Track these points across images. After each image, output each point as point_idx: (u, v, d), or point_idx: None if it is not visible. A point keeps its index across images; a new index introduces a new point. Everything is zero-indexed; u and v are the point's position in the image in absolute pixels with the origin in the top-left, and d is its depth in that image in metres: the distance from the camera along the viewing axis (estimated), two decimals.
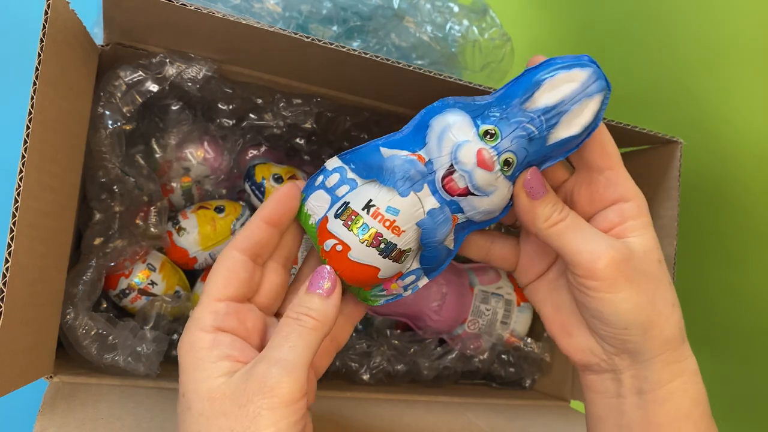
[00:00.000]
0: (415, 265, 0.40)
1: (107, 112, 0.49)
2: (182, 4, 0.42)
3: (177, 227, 0.59)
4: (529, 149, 0.38)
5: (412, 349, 0.63)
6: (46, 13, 0.37)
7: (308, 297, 0.37)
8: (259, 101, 0.57)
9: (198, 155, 0.60)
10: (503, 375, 0.68)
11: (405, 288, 0.42)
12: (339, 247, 0.38)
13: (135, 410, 0.46)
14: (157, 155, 0.58)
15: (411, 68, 0.47)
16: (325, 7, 0.60)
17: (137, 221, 0.54)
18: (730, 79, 0.64)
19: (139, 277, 0.56)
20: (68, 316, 0.48)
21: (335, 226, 0.38)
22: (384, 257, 0.38)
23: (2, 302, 0.35)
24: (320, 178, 0.40)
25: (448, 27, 0.66)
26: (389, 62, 0.46)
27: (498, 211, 0.39)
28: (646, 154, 0.60)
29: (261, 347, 0.38)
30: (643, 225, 0.39)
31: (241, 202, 0.63)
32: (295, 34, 0.44)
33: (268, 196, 0.39)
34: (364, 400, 0.57)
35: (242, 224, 0.61)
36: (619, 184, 0.39)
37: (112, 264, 0.52)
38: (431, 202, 0.37)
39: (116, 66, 0.49)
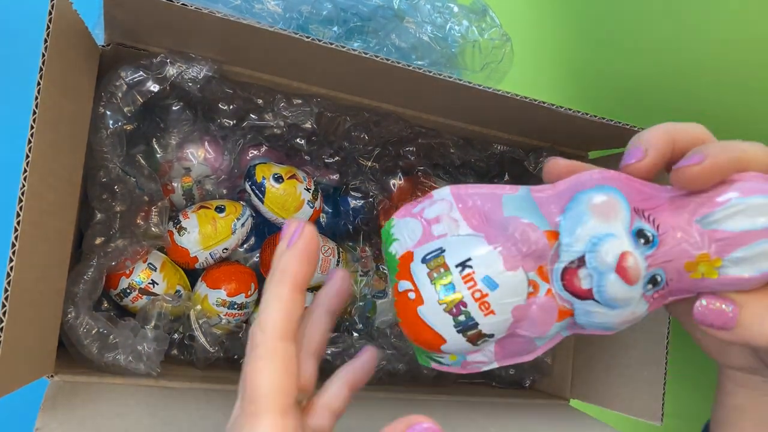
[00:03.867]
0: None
1: (108, 112, 0.49)
2: (183, 4, 0.42)
3: (178, 227, 0.59)
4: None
5: (412, 348, 0.63)
6: (50, 13, 0.38)
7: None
8: (260, 101, 0.57)
9: (199, 155, 0.60)
10: (503, 375, 0.68)
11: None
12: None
13: (136, 408, 0.46)
14: (158, 155, 0.58)
15: (411, 68, 0.47)
16: (325, 7, 0.60)
17: (138, 221, 0.54)
18: (729, 79, 0.64)
19: (140, 276, 0.56)
20: (69, 316, 0.48)
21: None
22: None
23: (7, 301, 0.35)
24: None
25: (448, 27, 0.66)
26: (389, 62, 0.47)
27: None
28: None
29: None
30: None
31: (241, 202, 0.63)
32: (296, 34, 0.45)
33: (288, 249, 0.32)
34: (364, 399, 0.58)
35: (243, 224, 0.61)
36: None
37: (113, 263, 0.52)
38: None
39: (117, 66, 0.50)
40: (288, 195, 0.61)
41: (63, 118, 0.42)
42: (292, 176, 0.61)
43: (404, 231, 0.32)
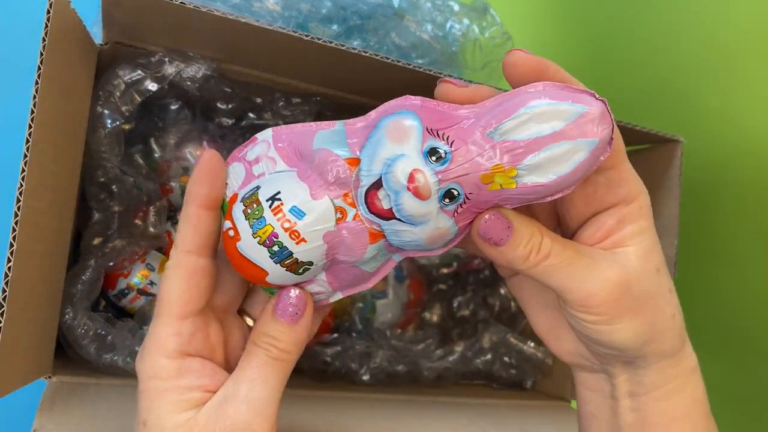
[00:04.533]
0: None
1: (106, 112, 0.49)
2: (181, 2, 0.42)
3: (176, 227, 0.58)
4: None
5: (412, 350, 0.63)
6: (48, 12, 0.37)
7: (274, 324, 0.34)
8: (259, 100, 0.56)
9: (197, 154, 0.59)
10: (504, 376, 0.68)
11: None
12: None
13: (134, 409, 0.46)
14: (156, 155, 0.58)
15: (411, 67, 0.47)
16: (324, 6, 0.60)
17: (136, 221, 0.54)
18: (730, 78, 0.64)
19: (138, 277, 0.56)
20: (67, 316, 0.48)
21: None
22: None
23: (5, 302, 0.35)
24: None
25: (448, 26, 0.65)
26: (389, 61, 0.46)
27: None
28: (646, 152, 0.60)
29: (226, 360, 0.36)
30: (642, 230, 0.35)
31: None
32: (295, 32, 0.44)
33: (191, 175, 0.35)
34: (364, 400, 0.57)
35: None
36: (621, 186, 0.34)
37: (111, 264, 0.52)
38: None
39: (115, 65, 0.49)
40: None
41: (61, 117, 0.41)
42: None
43: (231, 175, 0.35)
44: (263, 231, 0.32)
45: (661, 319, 0.35)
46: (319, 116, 0.58)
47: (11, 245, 0.35)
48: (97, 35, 0.49)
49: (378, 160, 0.31)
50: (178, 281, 0.33)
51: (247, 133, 0.60)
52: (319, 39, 0.45)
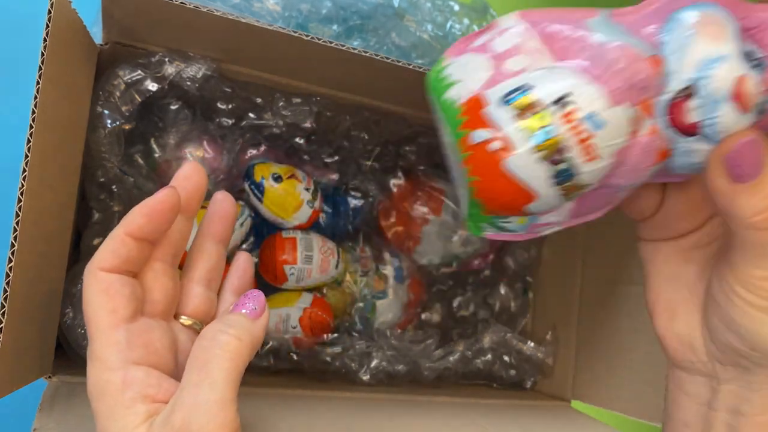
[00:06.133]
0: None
1: (106, 112, 0.49)
2: (181, 2, 0.42)
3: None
4: None
5: (412, 350, 0.63)
6: (49, 12, 0.37)
7: (232, 316, 0.34)
8: (259, 100, 0.56)
9: (197, 155, 0.59)
10: (504, 376, 0.68)
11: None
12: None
13: None
14: (156, 155, 0.58)
15: (411, 67, 0.47)
16: (324, 6, 0.60)
17: None
18: None
19: None
20: (67, 316, 0.47)
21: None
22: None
23: (6, 302, 0.35)
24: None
25: (448, 26, 0.65)
26: (389, 61, 0.46)
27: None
28: None
29: (176, 366, 0.35)
30: None
31: (240, 202, 0.63)
32: (295, 32, 0.44)
33: (140, 204, 0.34)
34: (363, 400, 0.57)
35: (242, 224, 0.60)
36: None
37: None
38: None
39: (115, 65, 0.49)
40: (287, 194, 0.60)
41: (61, 117, 0.41)
42: (292, 176, 0.61)
43: (466, 70, 0.27)
44: (550, 143, 0.25)
45: None
46: (319, 116, 0.58)
47: (12, 245, 0.35)
48: (97, 35, 0.48)
49: (690, 62, 0.25)
50: (96, 295, 0.32)
51: (247, 133, 0.60)
52: (319, 39, 0.45)
